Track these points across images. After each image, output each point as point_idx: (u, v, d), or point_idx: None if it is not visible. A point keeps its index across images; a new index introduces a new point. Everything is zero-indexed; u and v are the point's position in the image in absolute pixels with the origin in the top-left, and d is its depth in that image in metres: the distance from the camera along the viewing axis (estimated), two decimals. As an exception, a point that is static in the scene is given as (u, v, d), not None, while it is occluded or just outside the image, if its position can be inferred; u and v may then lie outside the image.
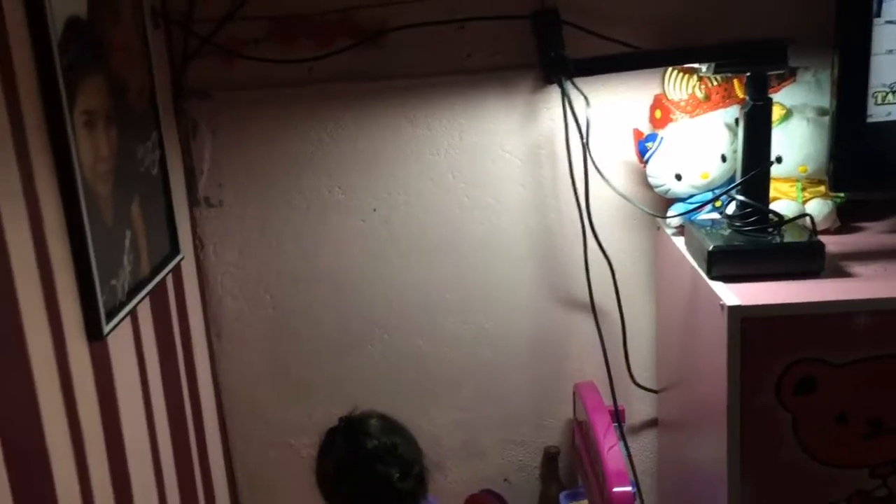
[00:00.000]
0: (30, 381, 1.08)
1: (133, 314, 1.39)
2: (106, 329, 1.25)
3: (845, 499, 1.35)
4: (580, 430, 1.80)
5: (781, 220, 1.42)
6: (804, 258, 1.37)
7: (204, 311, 1.81)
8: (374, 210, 1.79)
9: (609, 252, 1.74)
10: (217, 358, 1.86)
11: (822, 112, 1.56)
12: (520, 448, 1.95)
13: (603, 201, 1.74)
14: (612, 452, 1.57)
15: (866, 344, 1.28)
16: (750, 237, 1.41)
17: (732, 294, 1.31)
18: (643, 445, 1.94)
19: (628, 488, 1.44)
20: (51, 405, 1.12)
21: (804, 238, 1.40)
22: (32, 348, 1.09)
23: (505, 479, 1.96)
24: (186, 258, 1.70)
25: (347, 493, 1.37)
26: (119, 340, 1.33)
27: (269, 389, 1.89)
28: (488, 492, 1.91)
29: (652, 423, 1.93)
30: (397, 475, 1.34)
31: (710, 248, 1.38)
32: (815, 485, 1.35)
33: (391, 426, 1.42)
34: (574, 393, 1.85)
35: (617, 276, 1.75)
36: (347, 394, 1.71)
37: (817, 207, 1.54)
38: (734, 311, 1.27)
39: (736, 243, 1.40)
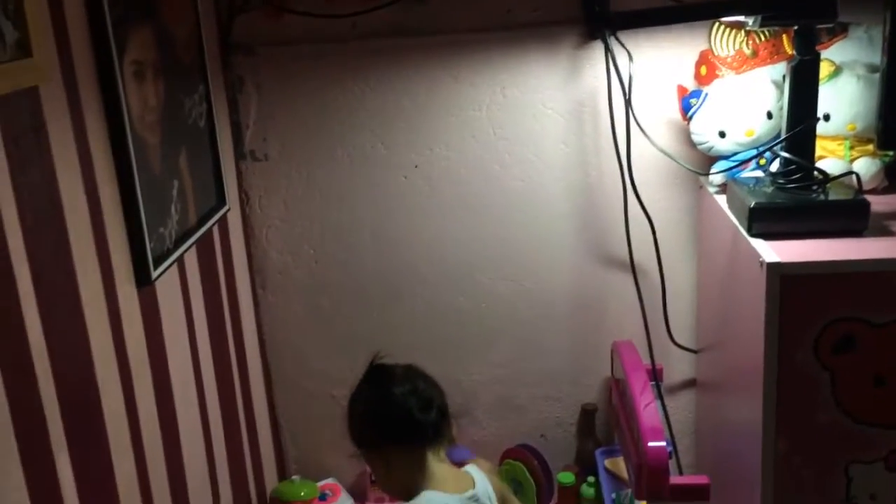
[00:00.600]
0: (82, 324, 1.13)
1: (180, 262, 1.44)
2: (154, 275, 1.29)
3: (882, 458, 1.34)
4: (617, 388, 1.81)
5: (826, 178, 1.39)
6: (847, 216, 1.36)
7: (249, 263, 1.85)
8: (416, 167, 1.80)
9: (650, 211, 1.73)
10: (261, 309, 1.91)
11: (873, 69, 1.52)
12: (557, 404, 1.97)
13: (645, 160, 1.73)
14: (648, 409, 1.57)
15: (908, 303, 1.27)
16: (793, 194, 1.39)
17: (772, 251, 1.30)
18: (681, 405, 1.94)
19: (662, 443, 1.44)
20: (101, 346, 1.17)
21: (849, 196, 1.38)
22: (84, 292, 1.13)
23: (542, 435, 1.99)
24: (232, 210, 1.74)
25: (374, 431, 1.40)
26: (166, 287, 1.38)
27: (311, 341, 1.94)
28: (525, 446, 1.94)
29: (690, 384, 1.93)
30: (418, 406, 1.36)
31: (752, 204, 1.36)
32: (851, 444, 1.34)
33: (414, 371, 1.45)
34: (612, 351, 1.86)
35: (658, 236, 1.75)
36: (388, 347, 1.74)
37: (864, 166, 1.51)
38: (773, 268, 1.27)
39: (778, 200, 1.38)
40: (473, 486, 1.40)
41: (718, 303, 1.66)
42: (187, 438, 1.46)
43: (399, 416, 1.37)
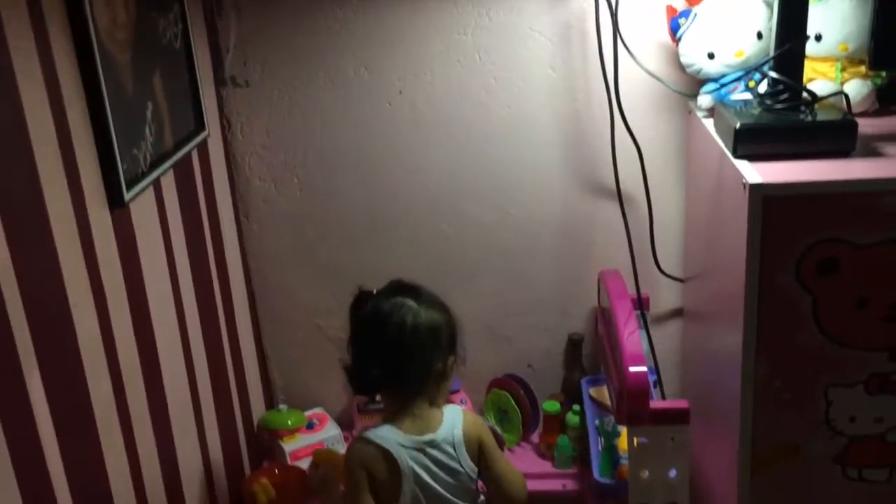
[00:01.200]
0: (51, 244, 1.11)
1: (157, 185, 1.42)
2: (127, 196, 1.27)
3: (862, 381, 1.34)
4: (603, 317, 1.81)
5: (815, 98, 1.36)
6: (835, 137, 1.33)
7: (232, 192, 1.83)
8: (400, 92, 1.77)
9: (638, 138, 1.70)
10: (246, 239, 1.89)
11: (867, -13, 1.47)
12: (544, 334, 1.96)
13: (633, 84, 1.69)
14: (631, 337, 1.57)
15: (891, 225, 1.24)
16: (780, 116, 1.36)
17: (756, 172, 1.28)
18: (667, 335, 1.93)
19: (643, 368, 1.44)
20: (73, 267, 1.16)
21: (836, 117, 1.35)
22: (53, 212, 1.12)
23: (529, 365, 1.99)
24: (213, 138, 1.71)
25: (370, 349, 1.39)
26: (142, 209, 1.36)
27: (297, 271, 1.93)
28: (511, 376, 1.94)
29: (677, 314, 1.92)
30: (410, 322, 1.37)
31: (737, 125, 1.33)
32: (832, 367, 1.33)
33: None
34: (599, 280, 1.85)
35: (645, 163, 1.73)
36: (373, 277, 1.72)
37: (855, 88, 1.48)
38: (756, 189, 1.24)
39: (764, 121, 1.35)
40: (435, 430, 1.39)
41: (705, 230, 1.64)
42: (168, 365, 1.45)
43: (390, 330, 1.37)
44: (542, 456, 1.88)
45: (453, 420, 1.42)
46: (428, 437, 1.39)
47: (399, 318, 1.37)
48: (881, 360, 1.33)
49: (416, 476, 1.37)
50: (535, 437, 1.91)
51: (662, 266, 1.84)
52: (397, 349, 1.37)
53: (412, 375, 1.39)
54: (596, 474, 1.66)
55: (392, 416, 1.41)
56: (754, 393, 1.35)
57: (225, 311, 1.75)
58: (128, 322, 1.31)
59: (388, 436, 1.37)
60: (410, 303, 1.39)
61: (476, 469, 1.43)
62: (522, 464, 1.79)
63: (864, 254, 1.26)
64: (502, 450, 1.54)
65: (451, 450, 1.40)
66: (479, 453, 1.43)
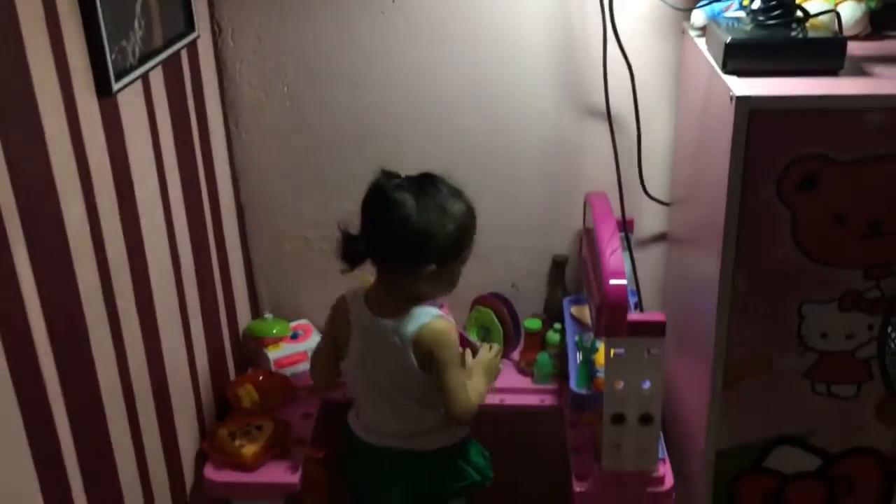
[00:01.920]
0: (39, 130, 1.12)
1: (145, 80, 1.41)
2: (115, 87, 1.27)
3: (836, 298, 1.37)
4: (587, 238, 1.83)
5: (806, 15, 1.36)
6: (823, 54, 1.33)
7: (222, 98, 1.82)
8: (394, 1, 1.75)
9: (631, 61, 1.70)
10: (234, 147, 1.89)
11: None
12: (528, 255, 1.98)
13: (628, 3, 1.69)
14: (613, 255, 1.58)
15: (874, 142, 1.26)
16: (771, 32, 1.36)
17: (744, 86, 1.28)
18: (651, 259, 1.96)
19: (623, 282, 1.46)
20: (61, 151, 1.16)
21: (826, 34, 1.35)
22: (41, 98, 1.12)
23: (512, 285, 2.01)
24: (204, 41, 1.70)
25: (361, 221, 1.49)
26: (130, 100, 1.36)
27: (285, 182, 1.93)
28: (495, 294, 1.96)
29: (661, 238, 1.94)
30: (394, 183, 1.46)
31: (728, 40, 1.34)
32: (807, 283, 1.36)
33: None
34: (585, 202, 1.86)
35: (637, 84, 1.73)
36: (361, 189, 1.74)
37: (849, 10, 1.48)
38: (742, 101, 1.25)
39: (755, 36, 1.35)
40: (389, 318, 1.49)
41: (693, 152, 1.65)
42: (155, 263, 1.47)
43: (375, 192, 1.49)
44: (522, 372, 1.92)
45: (416, 321, 1.48)
46: (381, 321, 1.49)
47: (386, 205, 1.44)
48: (855, 278, 1.36)
49: (362, 335, 1.52)
50: (515, 355, 1.95)
51: (649, 190, 1.86)
52: (375, 234, 1.47)
53: (386, 262, 1.49)
54: (573, 385, 1.70)
55: (370, 287, 1.54)
56: (730, 306, 1.38)
57: (212, 216, 1.76)
58: (115, 214, 1.32)
59: (356, 293, 1.54)
60: (408, 198, 1.44)
61: (421, 373, 1.49)
62: (503, 380, 1.81)
63: (845, 171, 1.28)
64: (474, 355, 1.60)
65: (397, 341, 1.48)
66: (428, 363, 1.48)
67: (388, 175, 1.49)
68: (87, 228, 1.23)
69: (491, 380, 1.63)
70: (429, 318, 1.49)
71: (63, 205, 1.17)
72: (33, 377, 1.10)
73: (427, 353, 1.48)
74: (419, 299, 1.51)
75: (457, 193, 1.51)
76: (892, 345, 1.14)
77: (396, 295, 1.50)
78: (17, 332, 1.06)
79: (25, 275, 1.07)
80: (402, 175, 1.49)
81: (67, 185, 1.18)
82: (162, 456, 1.52)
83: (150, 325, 1.46)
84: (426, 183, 1.48)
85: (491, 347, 1.66)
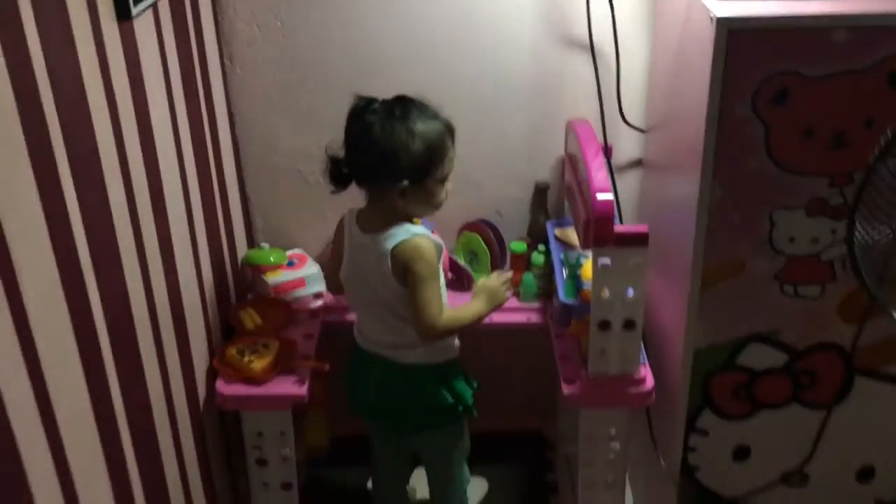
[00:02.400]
0: (73, 52, 1.18)
1: (155, 8, 1.47)
2: (134, 11, 1.33)
3: (803, 205, 1.51)
4: (570, 163, 1.93)
5: (777, -57, 1.47)
6: (794, -23, 1.44)
7: (217, 33, 1.88)
8: (384, -63, 1.82)
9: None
10: (230, 82, 1.95)
11: None
12: (512, 182, 2.09)
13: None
14: (600, 172, 1.69)
15: (840, 58, 1.38)
16: (745, -42, 1.47)
17: (723, 7, 1.39)
18: (627, 185, 2.08)
19: (609, 196, 1.57)
20: (92, 77, 1.23)
21: (796, -41, 1.46)
22: (75, 24, 1.18)
23: (497, 211, 2.12)
24: (200, -25, 1.75)
25: (345, 142, 1.61)
26: (143, 26, 1.42)
27: (279, 117, 2.00)
28: (482, 220, 2.07)
29: (637, 164, 2.06)
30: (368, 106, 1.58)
31: (706, -34, 1.44)
32: (778, 191, 1.49)
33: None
34: (567, 129, 1.97)
35: (616, 16, 1.82)
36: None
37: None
38: (722, 22, 1.36)
39: (731, -37, 1.46)
40: (374, 233, 1.61)
41: (670, 79, 1.76)
42: (168, 187, 1.54)
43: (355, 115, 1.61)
44: (509, 292, 2.03)
45: (396, 237, 1.59)
46: (366, 236, 1.62)
47: (358, 126, 1.58)
48: (821, 186, 1.49)
49: (352, 249, 1.65)
50: (502, 276, 2.06)
51: (627, 117, 1.97)
52: (351, 153, 1.60)
53: (364, 180, 1.62)
54: (561, 297, 1.82)
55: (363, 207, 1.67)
56: (708, 214, 1.51)
57: (213, 150, 1.83)
58: (136, 138, 1.39)
59: (353, 212, 1.68)
60: (377, 119, 1.56)
61: (401, 288, 1.61)
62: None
63: (813, 84, 1.40)
64: (469, 287, 1.71)
65: (378, 255, 1.60)
66: (407, 279, 1.59)
67: (362, 99, 1.60)
68: (114, 151, 1.30)
69: (494, 305, 1.72)
70: (408, 235, 1.60)
71: (95, 125, 1.23)
72: (80, 297, 1.18)
73: (403, 267, 1.59)
74: (406, 218, 1.63)
75: (431, 114, 1.60)
76: (858, 236, 1.28)
77: (382, 213, 1.62)
78: (64, 248, 1.13)
79: (65, 172, 1.14)
80: (380, 99, 1.60)
81: (96, 106, 1.24)
82: (180, 372, 1.60)
83: (167, 249, 1.53)
84: (396, 104, 1.59)
85: (500, 274, 1.76)
